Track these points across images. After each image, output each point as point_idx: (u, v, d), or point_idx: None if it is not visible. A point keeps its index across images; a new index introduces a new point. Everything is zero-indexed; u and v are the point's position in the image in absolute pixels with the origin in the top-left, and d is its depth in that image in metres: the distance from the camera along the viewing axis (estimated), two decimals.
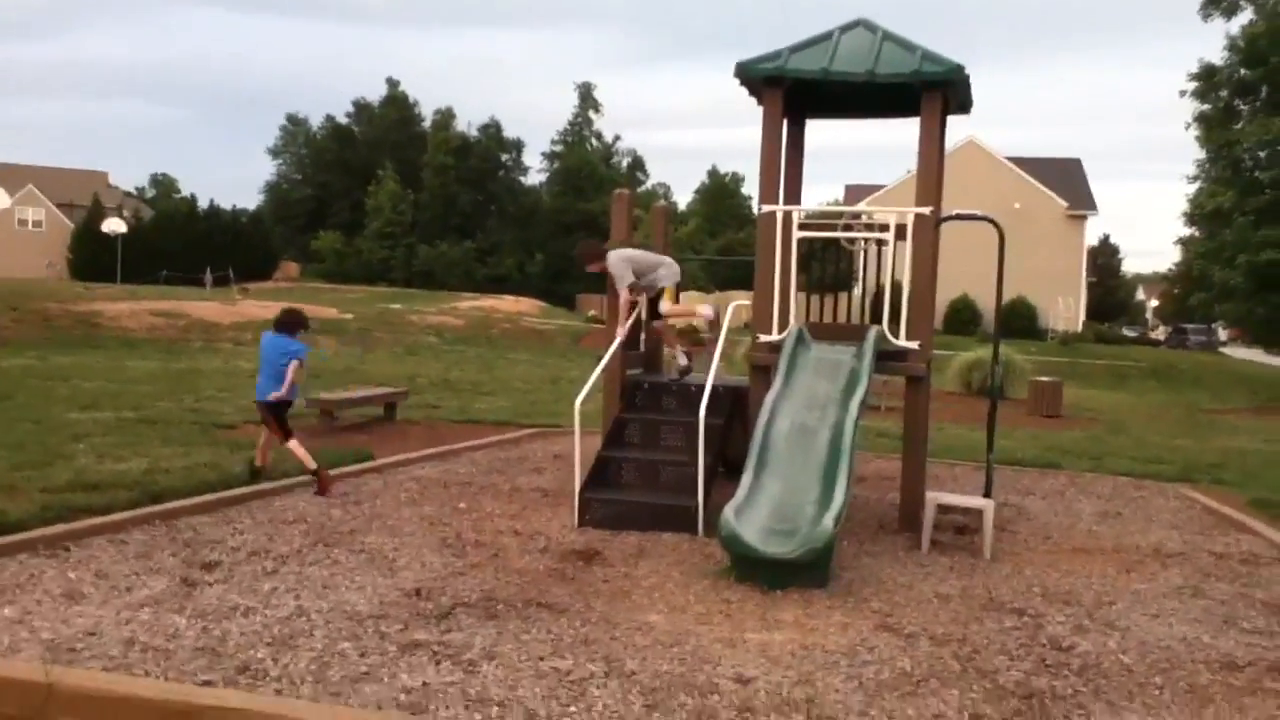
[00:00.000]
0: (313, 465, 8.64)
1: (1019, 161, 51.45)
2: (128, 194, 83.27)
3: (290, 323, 9.16)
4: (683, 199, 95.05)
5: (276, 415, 8.81)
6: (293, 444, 8.73)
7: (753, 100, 8.84)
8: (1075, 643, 5.52)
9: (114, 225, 56.58)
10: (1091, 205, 52.06)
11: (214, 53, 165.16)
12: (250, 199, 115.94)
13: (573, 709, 4.35)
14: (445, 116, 79.34)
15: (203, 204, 66.22)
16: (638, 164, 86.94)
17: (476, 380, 20.08)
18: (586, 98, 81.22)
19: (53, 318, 25.46)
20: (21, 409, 12.30)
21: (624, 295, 8.88)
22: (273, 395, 8.76)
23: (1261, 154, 26.23)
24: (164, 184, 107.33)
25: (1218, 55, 27.44)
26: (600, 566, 6.69)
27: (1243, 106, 27.72)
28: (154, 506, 7.49)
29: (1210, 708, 4.69)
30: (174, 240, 59.48)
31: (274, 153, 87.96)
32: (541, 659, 4.91)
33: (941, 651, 5.28)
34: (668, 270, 9.14)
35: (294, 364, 8.79)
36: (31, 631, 4.95)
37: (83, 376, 16.44)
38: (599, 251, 9.05)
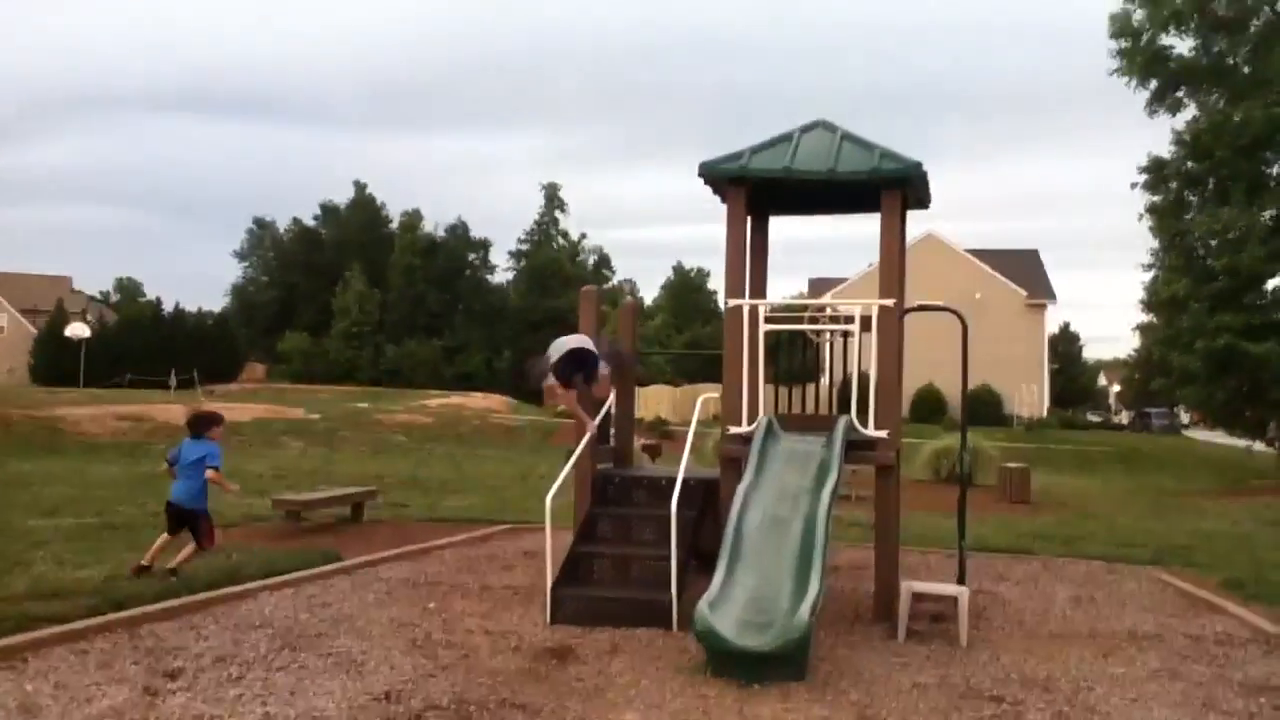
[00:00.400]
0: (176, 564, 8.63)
1: (978, 253, 52.51)
2: (92, 298, 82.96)
3: (200, 423, 9.11)
4: (649, 294, 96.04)
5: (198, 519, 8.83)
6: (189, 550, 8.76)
7: (717, 198, 9.01)
8: None
9: (77, 330, 56.25)
10: (1050, 294, 53.08)
11: (179, 158, 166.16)
12: (216, 301, 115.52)
13: None
14: (412, 218, 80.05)
15: (168, 307, 65.96)
16: (603, 261, 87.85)
17: (445, 478, 19.92)
18: (552, 198, 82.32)
19: (13, 423, 25.11)
20: None
21: (555, 388, 8.57)
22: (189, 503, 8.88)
23: (1212, 242, 26.90)
24: (129, 288, 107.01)
25: (1165, 149, 28.32)
26: (574, 665, 6.59)
27: (1192, 198, 28.49)
28: (116, 614, 7.31)
29: None
30: (138, 343, 59.01)
31: (240, 255, 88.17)
32: None
33: None
34: (555, 350, 8.69)
35: (209, 470, 8.84)
36: None
37: (44, 482, 16.16)
38: (542, 370, 8.66)
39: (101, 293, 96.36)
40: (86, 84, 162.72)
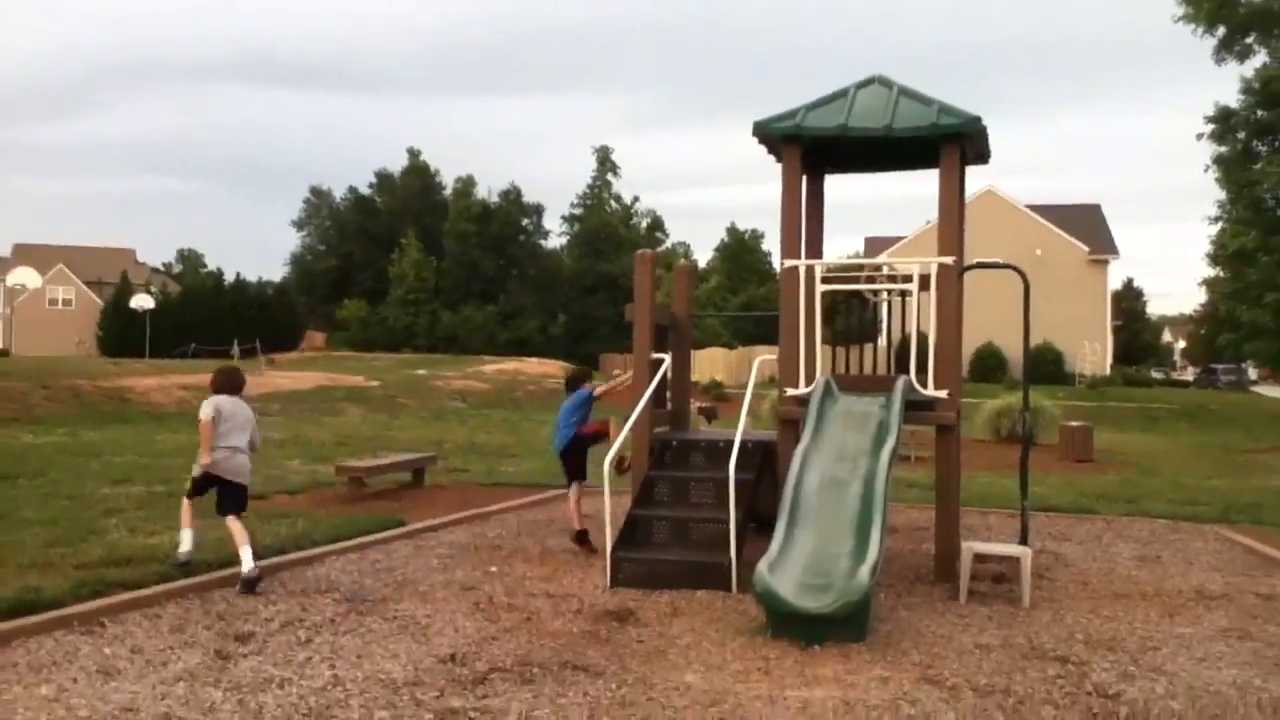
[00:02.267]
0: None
1: (1038, 209, 51.49)
2: (155, 270, 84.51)
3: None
4: (703, 257, 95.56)
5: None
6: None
7: (771, 158, 8.92)
8: (1122, 690, 5.41)
9: (142, 301, 57.40)
10: (1113, 249, 51.96)
11: (236, 127, 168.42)
12: (276, 271, 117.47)
13: None
14: (466, 184, 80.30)
15: (229, 277, 67.05)
16: (657, 224, 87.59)
17: (503, 443, 20.08)
18: (605, 161, 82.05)
19: (83, 394, 25.71)
20: (54, 485, 12.39)
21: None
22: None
23: None
24: (190, 259, 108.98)
25: (1233, 98, 27.53)
26: (635, 627, 6.64)
27: (1261, 147, 27.70)
28: (186, 580, 7.49)
29: None
30: (201, 314, 60.20)
31: (298, 225, 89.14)
32: None
33: (985, 703, 5.19)
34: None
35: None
36: (68, 709, 4.95)
37: (113, 451, 16.55)
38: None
39: (164, 264, 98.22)
40: (145, 55, 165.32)
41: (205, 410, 7.67)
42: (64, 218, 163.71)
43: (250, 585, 7.36)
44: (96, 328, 62.95)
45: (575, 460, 9.31)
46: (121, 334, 58.70)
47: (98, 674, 5.49)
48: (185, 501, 7.81)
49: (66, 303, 69.07)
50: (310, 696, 5.18)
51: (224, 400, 7.82)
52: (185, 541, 7.62)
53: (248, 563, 7.44)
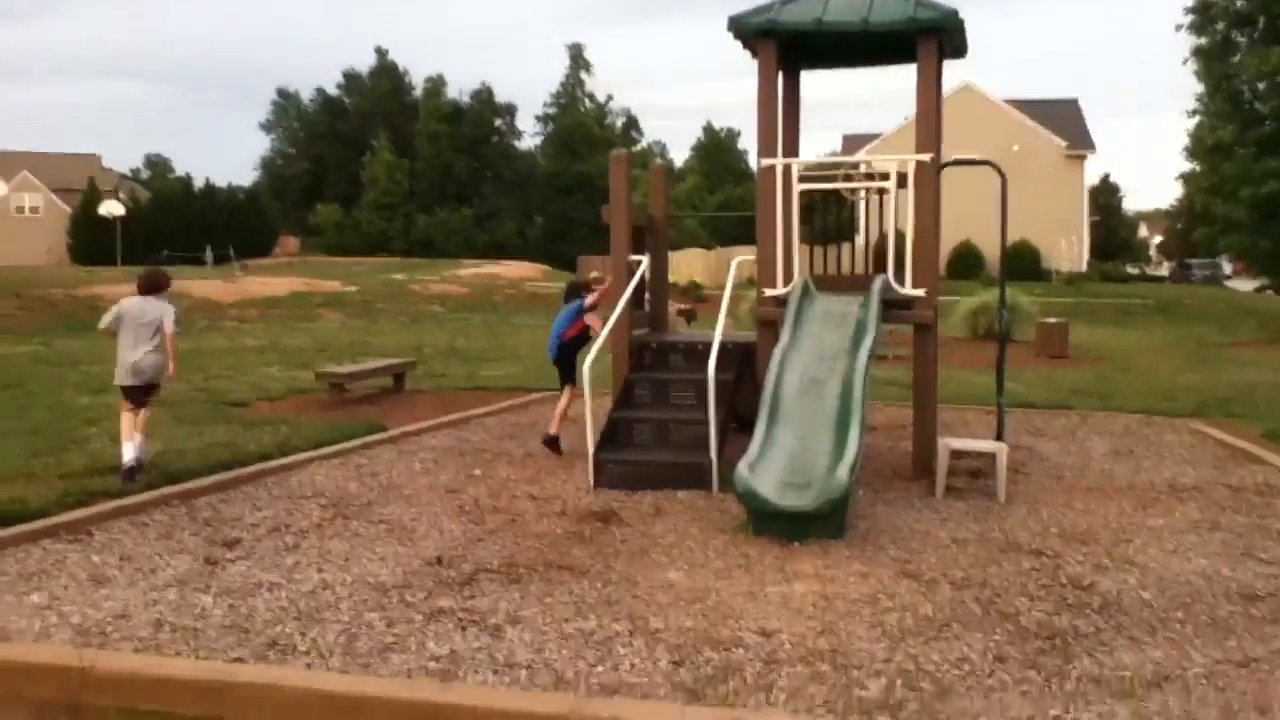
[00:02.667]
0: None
1: (1016, 104, 51.04)
2: (123, 176, 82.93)
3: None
4: (679, 156, 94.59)
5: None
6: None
7: (747, 54, 8.78)
8: (1095, 581, 5.56)
9: (111, 208, 56.46)
10: (1090, 145, 51.72)
11: (199, 29, 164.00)
12: (246, 176, 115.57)
13: (600, 668, 4.39)
14: (436, 84, 78.75)
15: (198, 183, 65.93)
16: (632, 123, 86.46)
17: (483, 348, 20.09)
18: (577, 59, 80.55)
19: (56, 303, 25.48)
20: (32, 396, 12.35)
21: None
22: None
23: (1260, 85, 25.91)
24: (158, 165, 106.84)
25: None
26: (618, 527, 6.74)
27: (1240, 39, 27.37)
28: (172, 487, 7.53)
29: (1232, 639, 4.73)
30: (172, 220, 59.36)
31: (266, 128, 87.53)
32: (566, 620, 4.96)
33: (962, 595, 5.32)
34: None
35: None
36: (60, 616, 5.00)
37: (91, 361, 16.44)
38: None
39: (132, 170, 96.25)
40: None
41: (104, 319, 7.99)
42: (26, 125, 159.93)
43: (130, 474, 7.54)
44: (66, 235, 62.01)
45: (566, 366, 9.37)
46: (92, 241, 57.86)
47: (88, 581, 5.55)
48: (123, 413, 7.85)
49: (34, 210, 67.81)
50: (300, 600, 5.26)
51: (129, 303, 8.00)
52: (126, 452, 7.65)
53: (129, 454, 7.61)
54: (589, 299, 9.54)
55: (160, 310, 7.99)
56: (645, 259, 9.51)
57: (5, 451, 8.68)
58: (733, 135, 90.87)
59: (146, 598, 5.29)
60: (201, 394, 12.67)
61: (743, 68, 8.68)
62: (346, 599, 5.29)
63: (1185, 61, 28.08)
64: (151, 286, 8.16)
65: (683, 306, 20.04)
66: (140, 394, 7.85)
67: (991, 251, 42.63)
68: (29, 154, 73.44)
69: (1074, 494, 7.70)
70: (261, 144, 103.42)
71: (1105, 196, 79.37)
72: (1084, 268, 49.19)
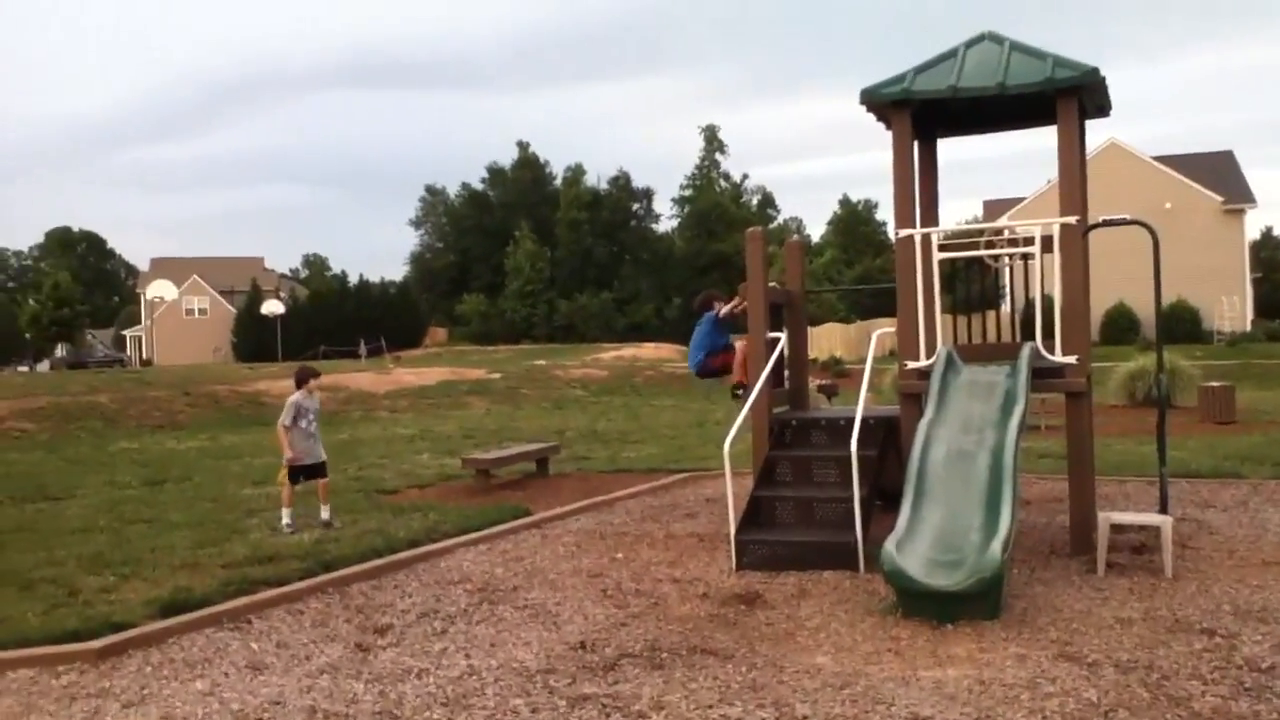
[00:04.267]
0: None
1: (1166, 160, 49.35)
2: (283, 276, 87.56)
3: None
4: (816, 230, 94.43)
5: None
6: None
7: (881, 125, 8.75)
8: (1276, 662, 5.17)
9: (273, 307, 59.60)
10: (1249, 197, 49.47)
11: (349, 133, 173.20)
12: (396, 270, 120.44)
13: None
14: (576, 173, 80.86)
15: (353, 279, 69.02)
16: (768, 200, 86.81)
17: (624, 429, 20.23)
18: (712, 139, 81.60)
19: (222, 399, 26.82)
20: (198, 488, 12.96)
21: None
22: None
23: None
24: (315, 264, 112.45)
25: None
26: (762, 609, 6.61)
27: None
28: (326, 575, 7.75)
29: None
30: (328, 316, 62.22)
31: (415, 223, 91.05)
32: (710, 707, 4.86)
33: (1128, 679, 5.01)
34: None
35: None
36: (221, 703, 5.17)
37: (253, 454, 17.22)
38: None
39: (291, 270, 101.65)
40: (255, 72, 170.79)
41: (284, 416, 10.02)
42: (195, 232, 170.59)
43: (327, 526, 9.59)
44: (231, 334, 65.62)
45: (711, 376, 10.07)
46: (255, 339, 61.11)
47: (247, 669, 5.73)
48: (285, 485, 9.80)
49: (202, 312, 72.14)
50: (448, 686, 5.31)
51: (299, 397, 10.10)
52: (286, 516, 9.60)
53: (325, 513, 9.79)
54: (722, 310, 9.94)
55: (316, 403, 10.18)
56: (783, 335, 9.47)
57: (173, 542, 9.11)
58: (870, 207, 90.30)
59: (301, 684, 5.42)
60: (356, 482, 13.08)
61: (877, 138, 8.67)
62: (492, 684, 5.31)
63: None
64: (297, 382, 10.27)
65: (823, 382, 19.86)
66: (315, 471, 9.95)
67: (1147, 314, 41.03)
68: (198, 259, 78.44)
69: (1248, 568, 7.21)
70: (411, 240, 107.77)
71: (1268, 250, 75.67)
72: (1248, 327, 46.74)
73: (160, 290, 55.11)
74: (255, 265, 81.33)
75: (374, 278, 72.96)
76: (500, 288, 77.21)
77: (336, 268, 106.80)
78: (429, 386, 31.08)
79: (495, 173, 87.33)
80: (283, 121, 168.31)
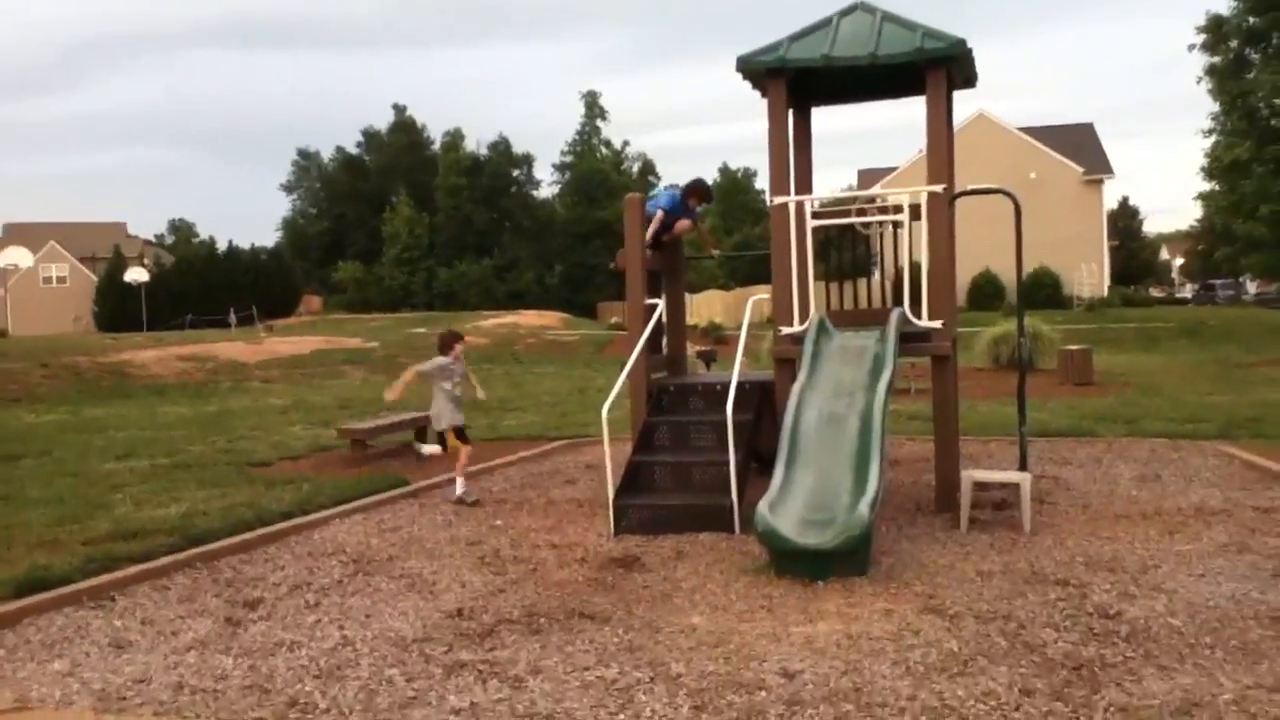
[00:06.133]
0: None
1: (1031, 131, 51.08)
2: (147, 242, 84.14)
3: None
4: None
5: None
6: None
7: (758, 93, 8.83)
8: (1122, 609, 5.47)
9: (136, 274, 57.25)
10: (1107, 168, 51.61)
11: (217, 94, 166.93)
12: (268, 236, 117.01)
13: (621, 717, 4.34)
14: (454, 137, 79.60)
15: (221, 245, 66.84)
16: (648, 168, 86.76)
17: (504, 397, 20.11)
18: (593, 106, 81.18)
19: (82, 371, 25.74)
20: (58, 463, 12.44)
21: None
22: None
23: (1276, 101, 25.86)
24: (182, 229, 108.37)
25: (1224, 5, 27.15)
26: (640, 572, 6.69)
27: (1254, 55, 27.32)
28: (194, 549, 7.54)
29: (1263, 663, 4.63)
30: (196, 284, 60.12)
31: (288, 188, 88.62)
32: (587, 669, 4.91)
33: (988, 629, 5.24)
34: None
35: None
36: (82, 683, 4.99)
37: (116, 426, 16.60)
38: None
39: (156, 236, 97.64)
40: (118, 29, 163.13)
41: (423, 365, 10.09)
42: (53, 195, 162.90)
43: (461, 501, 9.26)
44: (92, 303, 62.88)
45: None
46: (118, 308, 58.65)
47: (109, 647, 5.54)
48: (460, 449, 9.64)
49: (60, 280, 68.89)
50: (321, 658, 5.23)
51: (445, 360, 10.00)
52: (461, 486, 9.38)
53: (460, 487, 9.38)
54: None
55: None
56: (661, 302, 9.52)
57: (31, 520, 8.73)
58: (749, 175, 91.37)
59: (167, 661, 5.28)
60: (225, 455, 12.74)
61: (756, 107, 8.74)
62: (367, 655, 5.26)
63: (1200, 81, 28.06)
64: (442, 347, 10.15)
65: (702, 348, 20.07)
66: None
67: (1011, 280, 42.42)
68: (55, 224, 74.82)
69: (1100, 522, 7.59)
70: (283, 204, 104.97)
71: (1125, 220, 79.13)
72: (1105, 293, 48.90)
73: (14, 257, 52.30)
74: (118, 231, 78.02)
75: (244, 244, 70.54)
76: (377, 255, 75.72)
77: (205, 234, 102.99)
78: (303, 356, 30.39)
79: (371, 136, 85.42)
80: (147, 81, 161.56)
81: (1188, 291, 75.24)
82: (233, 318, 50.19)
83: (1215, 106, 28.09)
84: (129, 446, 13.83)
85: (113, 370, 26.11)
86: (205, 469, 11.50)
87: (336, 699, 4.67)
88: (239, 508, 8.96)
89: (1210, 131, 28.53)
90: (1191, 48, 27.84)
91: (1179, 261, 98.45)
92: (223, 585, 6.76)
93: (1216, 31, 27.16)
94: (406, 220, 74.41)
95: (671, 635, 5.36)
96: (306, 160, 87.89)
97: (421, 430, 13.49)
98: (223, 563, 7.35)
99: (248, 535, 8.00)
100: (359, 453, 12.25)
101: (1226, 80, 27.08)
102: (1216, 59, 27.45)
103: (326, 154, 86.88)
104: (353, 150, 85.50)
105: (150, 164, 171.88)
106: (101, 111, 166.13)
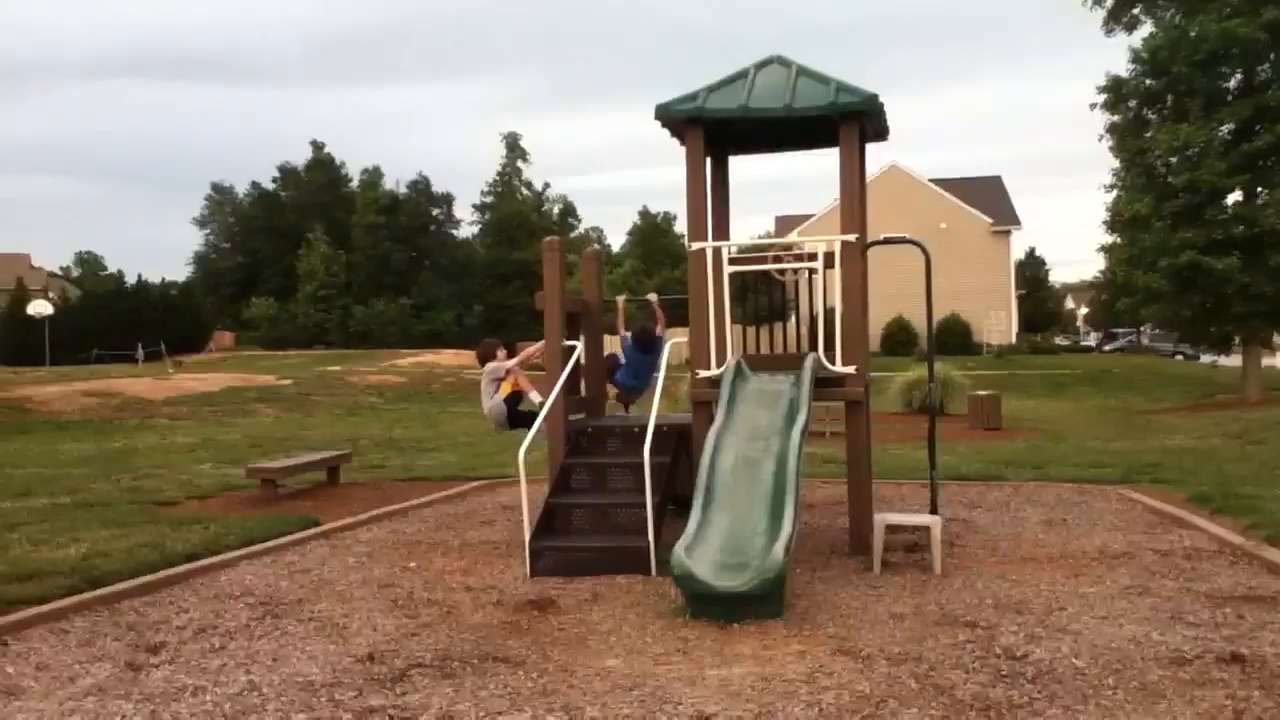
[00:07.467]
0: None
1: (941, 183, 52.57)
2: (53, 274, 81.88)
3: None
4: (616, 241, 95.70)
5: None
6: None
7: (676, 140, 8.95)
8: (1029, 651, 5.58)
9: (39, 308, 55.49)
10: (1015, 220, 53.29)
11: (130, 125, 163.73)
12: (179, 271, 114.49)
13: None
14: (373, 175, 79.12)
15: (130, 279, 65.18)
16: (569, 210, 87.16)
17: (420, 437, 19.90)
18: (514, 147, 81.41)
19: None
20: None
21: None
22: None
23: (1172, 160, 26.92)
24: (89, 262, 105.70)
25: (1123, 68, 28.29)
26: (555, 615, 6.65)
27: (1151, 115, 28.46)
28: (94, 591, 7.29)
29: (1162, 703, 4.76)
30: (103, 318, 58.33)
31: (200, 222, 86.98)
32: (500, 714, 4.86)
33: (899, 671, 5.31)
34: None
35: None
36: None
37: (14, 464, 16.02)
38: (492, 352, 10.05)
39: (62, 268, 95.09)
40: (27, 56, 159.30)
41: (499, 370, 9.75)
42: None
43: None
44: None
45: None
46: (20, 342, 56.58)
47: (1, 694, 5.33)
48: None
49: None
50: (225, 703, 5.10)
51: (490, 367, 9.79)
52: (536, 395, 9.44)
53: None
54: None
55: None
56: (579, 344, 9.54)
57: None
58: (669, 219, 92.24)
59: (63, 708, 5.09)
60: (129, 494, 12.36)
61: (675, 153, 8.85)
62: (274, 700, 5.13)
63: (1101, 138, 29.12)
64: (482, 360, 10.02)
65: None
66: None
67: (924, 327, 43.44)
68: None
69: (1008, 564, 7.76)
70: (196, 239, 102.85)
71: (1032, 270, 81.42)
72: (1013, 340, 50.24)
73: None
74: (21, 262, 75.70)
75: (154, 278, 68.97)
76: (292, 291, 74.61)
77: (113, 267, 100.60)
78: (213, 393, 29.69)
79: (288, 172, 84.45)
80: (54, 109, 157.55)
81: (1092, 340, 77.56)
82: (140, 353, 48.88)
83: (1116, 163, 29.14)
84: (27, 485, 13.34)
85: (13, 406, 25.21)
86: (108, 508, 11.14)
87: None
88: (142, 548, 8.69)
89: (1112, 187, 29.56)
90: (1093, 106, 28.89)
91: (1084, 310, 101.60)
92: (124, 629, 6.54)
93: (1117, 92, 28.23)
94: (323, 257, 73.54)
95: (586, 678, 5.33)
96: (221, 195, 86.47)
97: (334, 470, 13.29)
98: (124, 605, 7.12)
99: (151, 577, 7.76)
100: (269, 492, 11.99)
101: (1126, 138, 28.13)
102: (1117, 118, 28.52)
103: (242, 189, 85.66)
104: (269, 186, 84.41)
105: (57, 195, 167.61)
106: (5, 139, 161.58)
